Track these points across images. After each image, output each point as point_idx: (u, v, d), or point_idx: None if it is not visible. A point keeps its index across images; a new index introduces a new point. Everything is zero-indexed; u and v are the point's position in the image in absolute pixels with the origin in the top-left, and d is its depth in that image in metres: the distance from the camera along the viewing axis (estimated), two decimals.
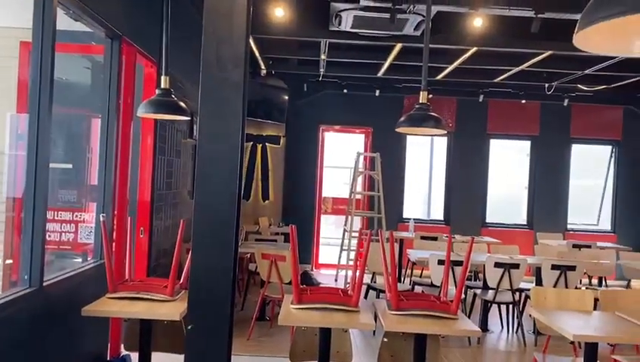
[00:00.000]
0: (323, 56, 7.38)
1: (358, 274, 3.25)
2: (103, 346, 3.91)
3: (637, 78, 7.98)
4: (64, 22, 3.41)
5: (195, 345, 2.06)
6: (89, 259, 3.93)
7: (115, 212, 3.96)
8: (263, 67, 8.13)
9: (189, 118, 3.68)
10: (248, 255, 6.62)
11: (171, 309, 3.00)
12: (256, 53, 7.37)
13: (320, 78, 8.81)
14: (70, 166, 4.56)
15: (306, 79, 9.01)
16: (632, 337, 3.11)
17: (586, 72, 7.70)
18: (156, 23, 3.95)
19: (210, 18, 2.02)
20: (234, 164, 2.01)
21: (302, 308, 3.12)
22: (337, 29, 5.86)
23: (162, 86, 3.39)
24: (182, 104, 3.43)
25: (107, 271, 3.13)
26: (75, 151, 4.81)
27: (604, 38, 1.15)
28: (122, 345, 3.79)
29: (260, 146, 9.22)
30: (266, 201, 9.24)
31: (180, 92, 5.16)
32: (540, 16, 4.91)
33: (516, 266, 5.31)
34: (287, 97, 9.06)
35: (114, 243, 3.95)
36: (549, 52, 6.66)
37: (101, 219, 3.25)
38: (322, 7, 5.74)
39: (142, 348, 3.20)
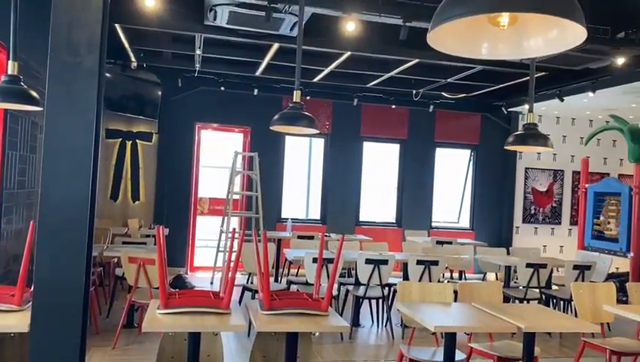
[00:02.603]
0: (198, 52, 7.16)
1: (230, 275, 3.16)
2: None
3: (492, 88, 8.76)
4: None
5: (41, 358, 1.85)
6: None
7: None
8: (133, 59, 7.70)
9: (42, 109, 3.33)
10: (115, 259, 6.22)
11: (19, 320, 2.70)
12: (125, 44, 6.96)
13: (196, 74, 8.55)
14: None
15: (180, 74, 8.69)
16: (485, 326, 3.36)
17: (449, 80, 8.30)
18: (6, 1, 3.53)
19: None
20: (87, 161, 1.84)
21: (169, 313, 2.96)
22: (213, 23, 5.71)
23: (9, 72, 3.03)
24: (33, 93, 3.10)
25: None
26: None
27: (454, 39, 1.20)
28: None
29: (129, 143, 8.72)
30: (137, 202, 8.76)
31: (37, 82, 4.70)
32: (407, 24, 5.17)
33: (385, 262, 5.54)
34: (160, 92, 8.66)
35: None
36: (416, 60, 7.06)
37: None
38: (197, 0, 5.56)
39: None
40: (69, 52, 1.81)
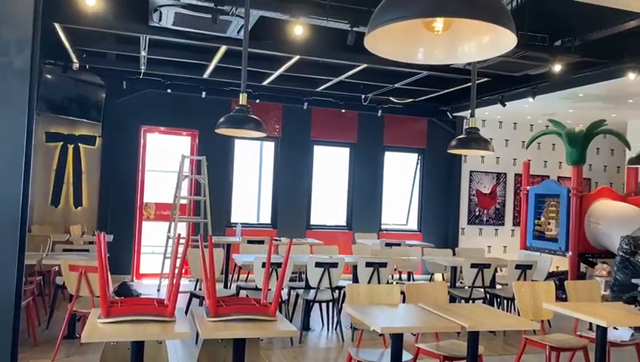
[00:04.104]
0: (143, 53, 6.99)
1: (174, 281, 3.09)
2: None
3: (438, 93, 8.96)
4: None
5: None
6: None
7: None
8: (75, 60, 7.44)
9: None
10: (55, 267, 5.97)
11: None
12: (66, 45, 6.71)
13: (141, 76, 8.34)
14: None
15: (125, 76, 8.45)
16: (430, 326, 3.41)
17: (396, 85, 8.44)
18: None
19: None
20: (17, 166, 1.75)
21: (110, 322, 2.86)
22: (158, 25, 5.59)
23: None
24: None
25: None
26: None
27: (390, 43, 1.22)
28: None
29: (71, 147, 8.42)
30: (79, 208, 8.46)
31: None
32: (355, 29, 5.23)
33: (335, 265, 5.56)
34: (104, 95, 8.40)
35: None
36: (364, 65, 7.15)
37: None
38: (141, 0, 5.43)
39: None
40: None
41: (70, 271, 4.70)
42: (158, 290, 7.91)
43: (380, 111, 9.80)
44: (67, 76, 7.94)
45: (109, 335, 2.84)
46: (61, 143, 8.39)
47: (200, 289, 5.86)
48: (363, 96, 9.34)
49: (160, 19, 5.38)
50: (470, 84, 5.25)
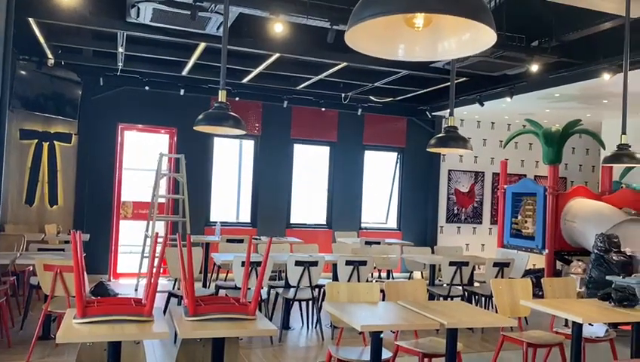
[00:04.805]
0: (121, 49, 6.89)
1: (152, 281, 3.04)
2: None
3: (417, 93, 9.02)
4: None
5: None
6: None
7: None
8: (50, 56, 7.30)
9: None
10: (30, 267, 5.86)
11: None
12: (41, 40, 6.57)
13: (118, 73, 8.22)
14: None
15: (102, 73, 8.32)
16: (409, 324, 3.43)
17: (376, 84, 8.47)
18: None
19: None
20: None
21: (86, 322, 2.81)
22: (136, 20, 5.51)
23: None
24: None
25: None
26: None
27: (371, 40, 1.21)
28: None
29: (46, 145, 8.27)
30: (54, 206, 8.30)
31: None
32: (335, 27, 5.22)
33: (315, 264, 5.55)
34: (80, 91, 8.25)
35: None
36: (344, 63, 7.15)
37: None
38: None
39: None
40: None
41: (45, 270, 4.61)
42: (136, 290, 7.81)
43: (360, 110, 9.82)
44: (42, 72, 7.80)
45: (85, 335, 2.79)
46: (36, 141, 8.24)
47: (178, 289, 5.80)
48: (343, 95, 9.35)
49: (138, 15, 5.31)
50: (449, 83, 5.29)
